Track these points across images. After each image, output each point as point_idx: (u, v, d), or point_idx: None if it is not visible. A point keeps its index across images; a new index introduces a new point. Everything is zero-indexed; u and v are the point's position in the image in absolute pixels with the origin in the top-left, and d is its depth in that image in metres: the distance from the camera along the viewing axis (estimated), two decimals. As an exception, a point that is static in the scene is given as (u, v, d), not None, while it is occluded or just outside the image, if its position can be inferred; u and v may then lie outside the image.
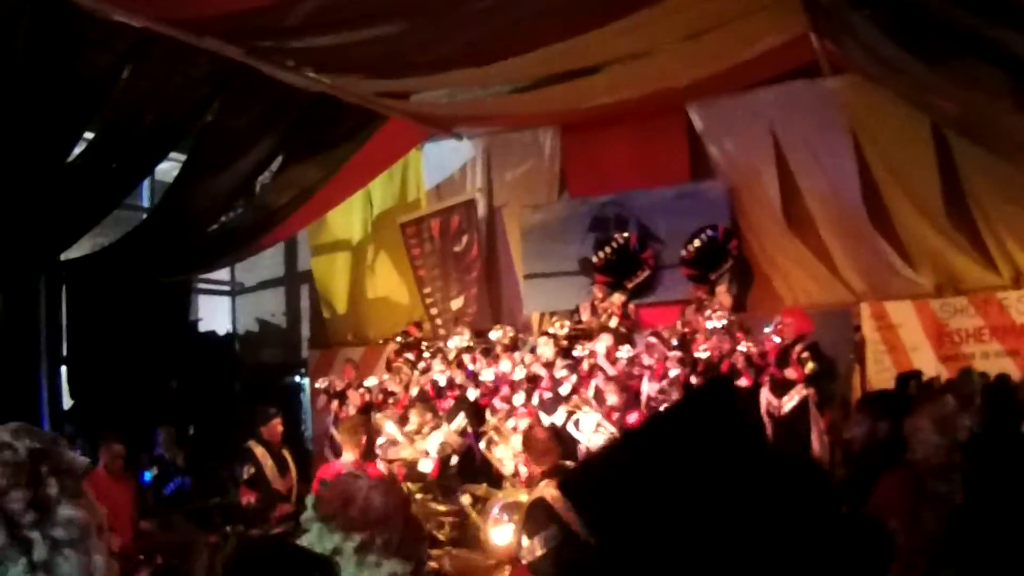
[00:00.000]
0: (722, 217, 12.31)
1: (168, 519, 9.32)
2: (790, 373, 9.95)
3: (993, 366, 10.25)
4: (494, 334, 12.14)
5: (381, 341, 14.38)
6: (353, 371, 12.90)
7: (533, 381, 10.82)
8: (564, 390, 10.57)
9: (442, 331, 14.05)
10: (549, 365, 10.92)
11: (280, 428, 9.83)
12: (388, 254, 15.27)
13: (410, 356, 12.71)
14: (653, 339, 10.91)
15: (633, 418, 9.93)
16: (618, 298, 12.14)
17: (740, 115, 12.44)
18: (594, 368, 10.71)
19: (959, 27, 7.28)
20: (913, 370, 10.43)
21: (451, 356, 11.94)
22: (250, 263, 16.26)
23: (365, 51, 9.72)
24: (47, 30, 8.53)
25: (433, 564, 7.82)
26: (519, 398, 10.69)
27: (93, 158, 10.51)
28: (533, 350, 11.41)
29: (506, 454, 9.79)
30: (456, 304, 14.28)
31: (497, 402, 11.10)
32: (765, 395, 10.10)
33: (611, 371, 10.54)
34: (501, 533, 7.49)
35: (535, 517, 5.27)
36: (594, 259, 12.82)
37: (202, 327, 15.72)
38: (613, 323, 11.73)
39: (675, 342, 10.90)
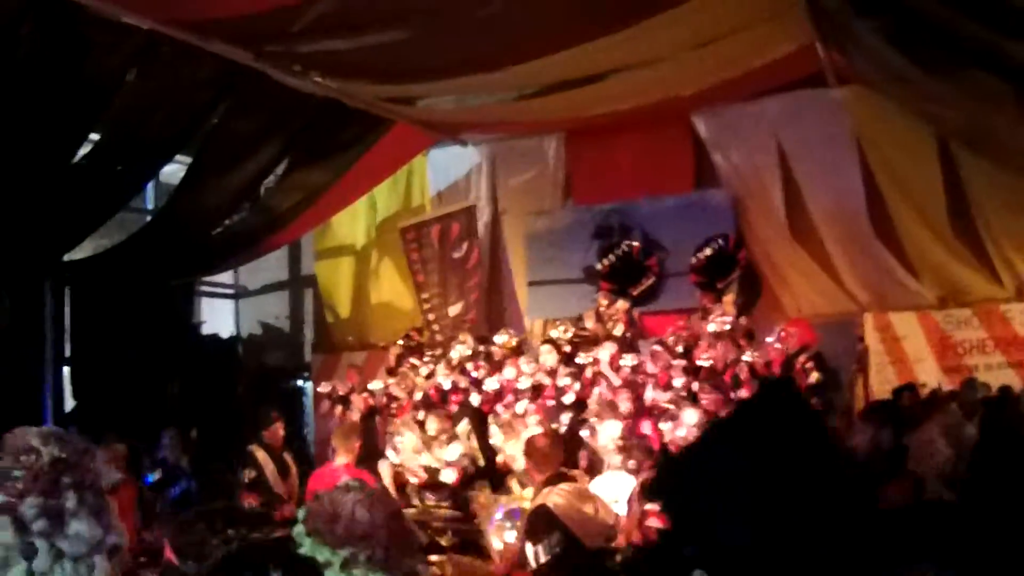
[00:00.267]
0: (726, 226, 12.28)
1: (184, 522, 9.29)
2: (794, 383, 9.94)
3: (996, 377, 10.25)
4: (499, 339, 12.14)
5: (382, 345, 14.37)
6: (357, 376, 12.89)
7: (537, 389, 10.82)
8: (568, 399, 10.57)
9: (438, 337, 14.05)
10: (552, 373, 10.91)
11: (282, 432, 9.83)
12: (392, 259, 15.26)
13: (415, 361, 12.69)
14: (658, 347, 10.91)
15: (646, 426, 9.90)
16: (623, 305, 12.13)
17: (745, 124, 12.43)
18: (597, 376, 10.71)
19: (965, 37, 7.28)
20: (907, 383, 10.45)
21: (454, 362, 11.94)
22: (254, 266, 16.25)
23: (372, 56, 9.73)
24: (53, 31, 8.54)
25: (435, 570, 7.82)
26: (523, 406, 10.67)
27: (98, 160, 10.51)
28: (535, 359, 11.41)
29: (517, 449, 9.78)
30: (454, 311, 14.26)
31: (500, 408, 11.10)
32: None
33: (614, 379, 10.54)
34: (504, 539, 7.47)
35: (537, 524, 5.28)
36: (598, 266, 12.79)
37: (205, 330, 15.70)
38: (619, 330, 11.72)
39: (680, 350, 10.89)
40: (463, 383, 11.50)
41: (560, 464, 5.85)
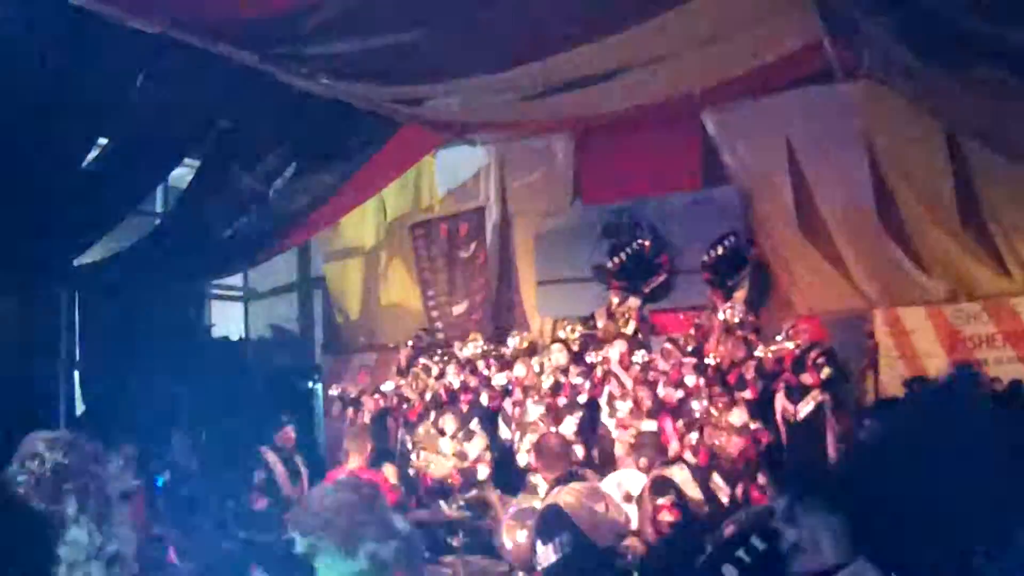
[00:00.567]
0: (736, 223, 12.29)
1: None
2: (806, 378, 9.93)
3: (1006, 372, 10.23)
4: (512, 340, 12.17)
5: (393, 346, 14.39)
6: (367, 377, 12.92)
7: (554, 388, 10.84)
8: (582, 399, 10.60)
9: (440, 336, 14.08)
10: (564, 371, 10.94)
11: (293, 435, 9.88)
12: (401, 260, 15.29)
13: (425, 361, 12.71)
14: (669, 345, 10.92)
15: (668, 425, 9.91)
16: (634, 302, 12.14)
17: (754, 121, 12.40)
18: (608, 374, 10.73)
19: (974, 33, 7.26)
20: (919, 376, 10.43)
21: (463, 361, 11.98)
22: (263, 269, 16.26)
23: (380, 58, 9.73)
24: (62, 36, 8.56)
25: (447, 570, 7.85)
26: (533, 408, 10.68)
27: (107, 164, 10.52)
28: (546, 358, 11.43)
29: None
30: (458, 309, 14.31)
31: (508, 407, 11.14)
32: (780, 401, 10.09)
33: (625, 377, 10.55)
34: (515, 538, 7.49)
35: (548, 523, 5.28)
36: (609, 264, 12.79)
37: (215, 333, 15.75)
38: (631, 327, 11.74)
39: (691, 348, 10.90)
40: (473, 382, 11.54)
41: (569, 464, 5.86)
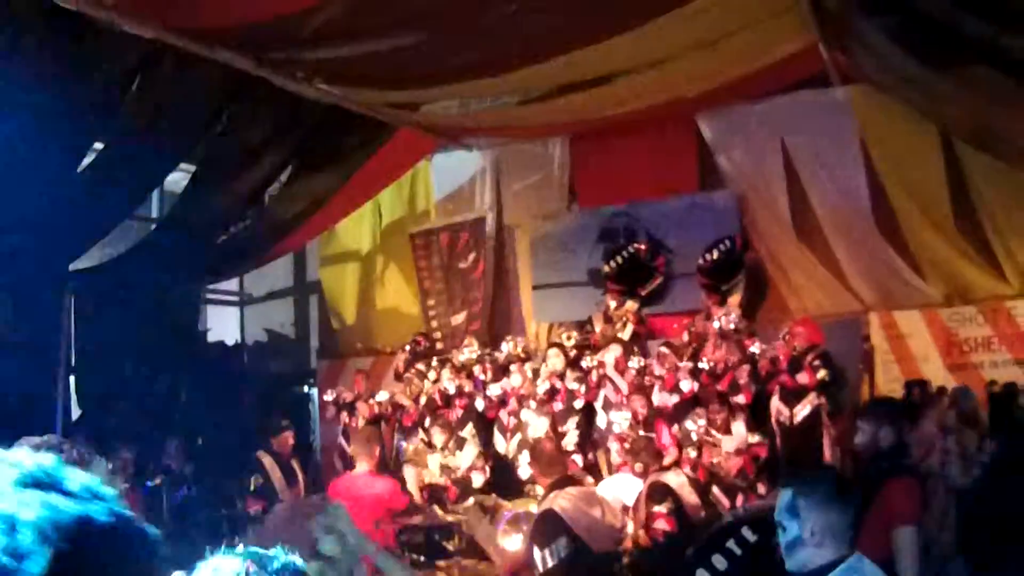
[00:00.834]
0: (732, 227, 12.29)
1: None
2: (802, 378, 9.90)
3: (1002, 375, 10.26)
4: (506, 346, 12.15)
5: (389, 350, 14.37)
6: (363, 382, 12.89)
7: (550, 393, 10.82)
8: (578, 404, 10.58)
9: (440, 345, 14.09)
10: (560, 376, 10.92)
11: (291, 441, 9.86)
12: (397, 265, 15.27)
13: (421, 367, 12.69)
14: (665, 349, 10.90)
15: (664, 431, 9.89)
16: (632, 305, 12.13)
17: (749, 125, 12.42)
18: (603, 379, 10.71)
19: (968, 35, 7.27)
20: (918, 379, 10.44)
21: (459, 366, 11.96)
22: (259, 274, 16.25)
23: (375, 62, 9.73)
24: (58, 41, 8.56)
25: (442, 574, 7.82)
26: (527, 414, 10.66)
27: (103, 168, 10.51)
28: (542, 363, 11.42)
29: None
30: (456, 320, 14.32)
31: (504, 417, 11.12)
32: (775, 404, 10.06)
33: (620, 382, 10.54)
34: (510, 543, 7.47)
35: (545, 529, 5.27)
36: (605, 268, 12.80)
37: (211, 337, 15.74)
38: (628, 330, 11.72)
39: (686, 352, 10.88)
40: (468, 387, 11.52)
41: (565, 469, 5.85)
